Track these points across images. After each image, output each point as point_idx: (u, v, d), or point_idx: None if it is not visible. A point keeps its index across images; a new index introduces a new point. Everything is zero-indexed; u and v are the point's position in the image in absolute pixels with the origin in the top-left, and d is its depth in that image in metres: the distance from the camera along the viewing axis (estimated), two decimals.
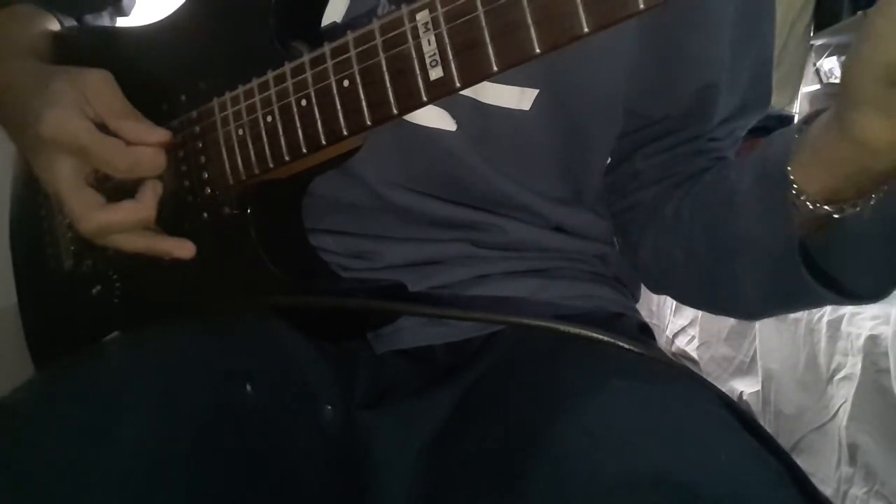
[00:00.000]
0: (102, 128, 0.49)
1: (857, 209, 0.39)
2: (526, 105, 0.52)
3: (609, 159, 0.62)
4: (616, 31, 0.50)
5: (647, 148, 0.58)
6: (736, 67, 0.54)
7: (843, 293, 0.44)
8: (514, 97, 0.52)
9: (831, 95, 2.75)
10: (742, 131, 0.58)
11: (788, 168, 0.41)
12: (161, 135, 0.51)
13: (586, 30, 0.35)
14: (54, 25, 0.61)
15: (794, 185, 0.41)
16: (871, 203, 0.38)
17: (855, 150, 0.36)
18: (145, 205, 0.50)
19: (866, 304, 0.45)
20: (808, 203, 0.40)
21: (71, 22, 0.63)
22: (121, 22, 0.71)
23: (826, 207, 0.40)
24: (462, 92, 0.49)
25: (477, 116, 0.52)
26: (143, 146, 0.50)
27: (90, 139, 0.48)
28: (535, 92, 0.52)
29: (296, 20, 0.49)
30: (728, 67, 0.54)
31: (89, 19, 0.66)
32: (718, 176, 0.53)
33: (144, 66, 0.54)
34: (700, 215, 0.52)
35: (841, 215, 0.39)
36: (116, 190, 0.52)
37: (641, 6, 0.33)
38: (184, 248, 0.52)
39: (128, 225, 0.50)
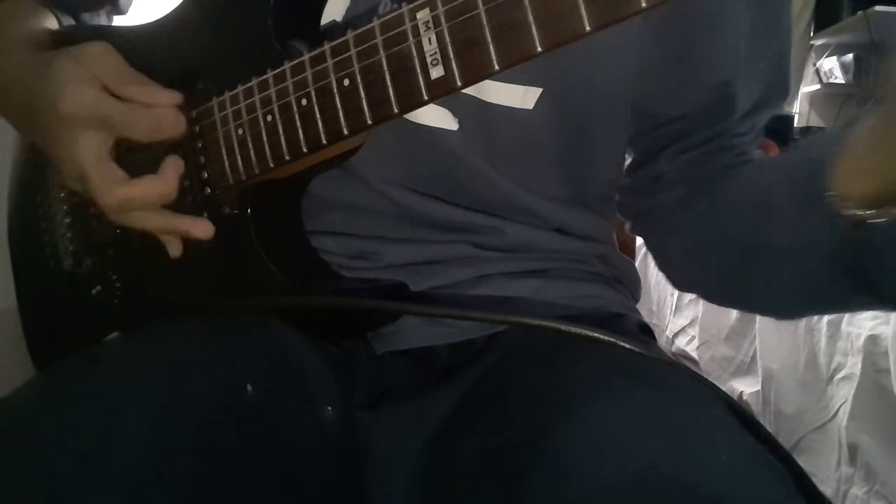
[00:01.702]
0: (113, 94, 0.48)
1: None
2: (529, 104, 0.52)
3: (628, 161, 0.61)
4: (622, 30, 0.50)
5: (669, 148, 0.57)
6: (752, 61, 0.54)
7: (886, 299, 0.42)
8: (517, 96, 0.51)
9: (832, 96, 2.76)
10: (762, 124, 0.58)
11: (826, 176, 0.40)
12: (172, 96, 0.50)
13: (588, 28, 0.34)
14: (52, 23, 0.61)
15: (833, 193, 0.40)
16: None
17: None
18: (166, 179, 0.50)
19: None
20: (849, 210, 0.39)
21: (69, 20, 0.63)
22: (118, 21, 0.71)
23: (869, 213, 0.38)
24: (465, 91, 0.49)
25: (479, 116, 0.52)
26: (163, 107, 0.50)
27: (111, 107, 0.48)
28: (539, 91, 0.51)
29: (295, 19, 0.49)
30: (744, 62, 0.53)
31: (87, 18, 0.66)
32: (750, 178, 0.52)
33: (142, 66, 0.54)
34: (732, 218, 0.51)
35: (886, 219, 0.38)
36: (138, 165, 0.51)
37: (643, 4, 0.33)
38: (201, 227, 0.51)
39: (149, 199, 0.50)
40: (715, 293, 0.59)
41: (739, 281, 0.53)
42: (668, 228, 0.58)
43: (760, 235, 0.48)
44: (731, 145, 0.56)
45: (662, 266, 0.62)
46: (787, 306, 0.52)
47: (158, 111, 0.49)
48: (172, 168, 0.50)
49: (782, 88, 0.57)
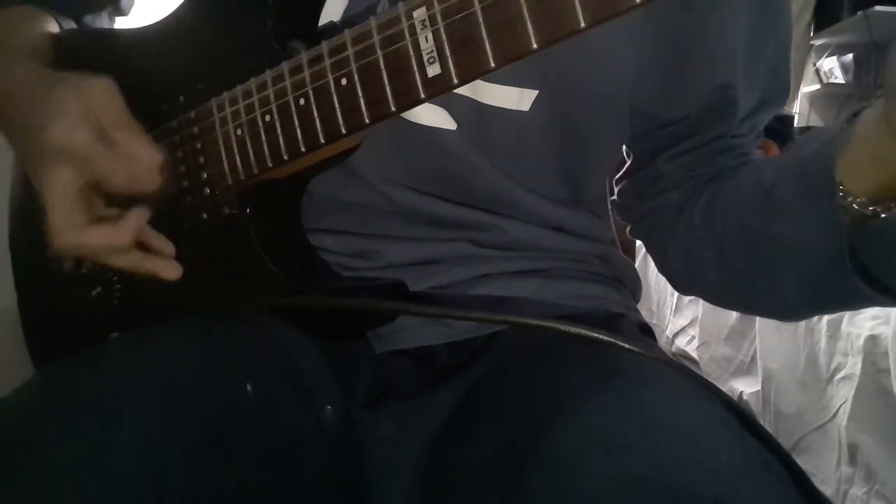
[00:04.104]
0: (102, 136, 0.49)
1: None
2: (525, 106, 0.52)
3: (627, 163, 0.62)
4: (618, 32, 0.50)
5: (669, 150, 0.57)
6: (752, 62, 0.54)
7: (887, 293, 0.43)
8: (513, 98, 0.52)
9: (832, 96, 2.76)
10: (762, 126, 0.58)
11: (834, 170, 0.40)
12: (157, 156, 0.50)
13: (583, 24, 0.34)
14: (53, 27, 0.61)
15: (841, 188, 0.40)
16: None
17: None
18: (122, 233, 0.50)
19: None
20: (854, 205, 0.40)
21: (70, 23, 0.63)
22: (120, 22, 0.71)
23: (873, 208, 0.39)
24: (461, 92, 0.50)
25: (476, 116, 0.52)
26: (144, 163, 0.50)
27: (94, 150, 0.48)
28: (535, 93, 0.52)
29: (293, 20, 0.49)
30: (744, 63, 0.53)
31: (88, 20, 0.66)
32: (750, 177, 0.52)
33: (143, 68, 0.54)
34: (734, 217, 0.51)
35: (888, 214, 0.39)
36: (111, 199, 0.52)
37: (637, 0, 0.33)
38: (170, 270, 0.52)
39: (100, 250, 0.50)
40: (718, 296, 0.58)
41: (745, 282, 0.52)
42: (669, 231, 0.58)
43: (766, 234, 0.48)
44: (730, 147, 0.56)
45: (664, 269, 0.62)
46: (791, 306, 0.51)
47: (139, 166, 0.49)
48: (133, 221, 0.50)
49: (783, 89, 0.57)
